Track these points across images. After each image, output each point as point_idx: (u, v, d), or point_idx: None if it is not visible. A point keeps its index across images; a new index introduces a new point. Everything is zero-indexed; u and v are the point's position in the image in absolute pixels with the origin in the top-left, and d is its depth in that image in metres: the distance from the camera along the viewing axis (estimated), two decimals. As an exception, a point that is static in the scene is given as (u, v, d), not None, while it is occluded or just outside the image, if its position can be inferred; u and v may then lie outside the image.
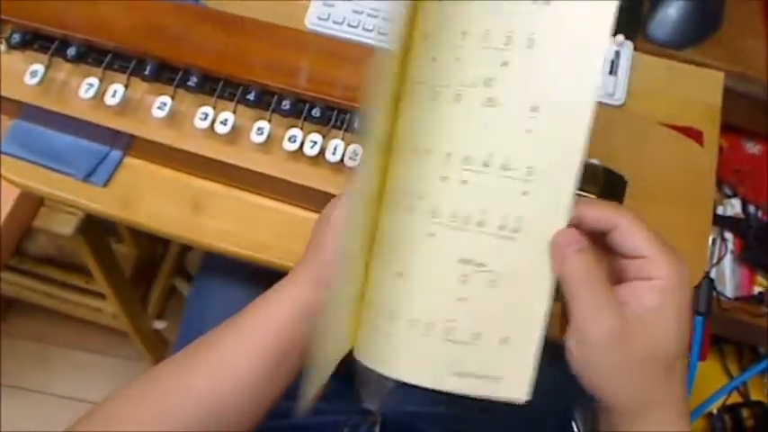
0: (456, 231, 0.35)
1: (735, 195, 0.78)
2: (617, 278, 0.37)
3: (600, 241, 0.37)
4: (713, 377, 0.80)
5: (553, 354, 0.64)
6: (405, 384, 0.69)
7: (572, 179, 0.34)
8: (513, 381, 0.36)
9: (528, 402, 0.65)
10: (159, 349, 1.23)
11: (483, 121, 0.34)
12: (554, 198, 0.34)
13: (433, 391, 0.67)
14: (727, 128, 0.65)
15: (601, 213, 0.36)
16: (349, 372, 0.70)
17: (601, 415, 0.38)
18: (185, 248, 1.21)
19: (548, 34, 0.33)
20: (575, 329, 0.35)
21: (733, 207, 0.77)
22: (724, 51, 0.68)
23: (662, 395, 0.36)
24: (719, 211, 0.78)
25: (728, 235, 0.77)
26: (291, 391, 0.64)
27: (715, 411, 0.76)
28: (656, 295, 0.35)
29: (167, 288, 1.20)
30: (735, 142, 0.79)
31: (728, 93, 0.62)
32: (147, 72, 0.57)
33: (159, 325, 1.16)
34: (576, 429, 0.60)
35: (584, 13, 0.33)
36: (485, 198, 0.35)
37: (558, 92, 0.34)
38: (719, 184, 0.79)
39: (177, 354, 0.45)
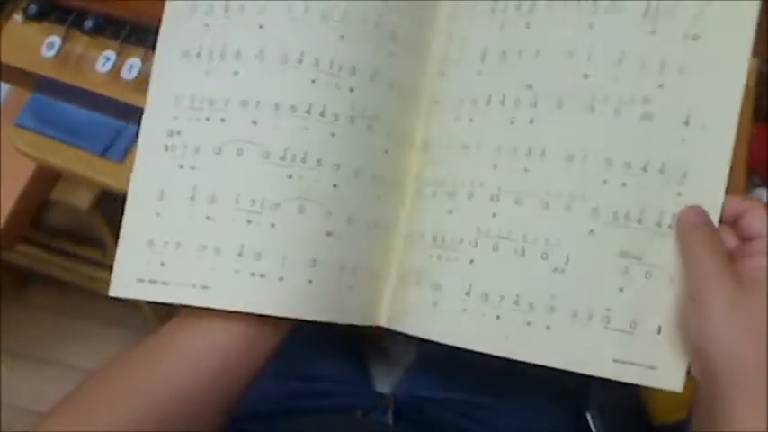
0: (616, 228, 0.40)
1: (762, 185, 0.76)
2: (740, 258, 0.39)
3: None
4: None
5: None
6: (419, 367, 0.69)
7: (722, 181, 0.39)
8: (668, 370, 0.39)
9: (540, 392, 0.65)
10: (169, 320, 1.23)
11: (642, 132, 0.40)
12: (706, 198, 0.39)
13: (447, 375, 0.66)
14: (757, 117, 0.62)
15: (731, 203, 0.39)
16: (362, 355, 0.70)
17: (701, 392, 0.38)
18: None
19: (696, 62, 0.39)
20: (695, 294, 0.38)
21: (761, 197, 0.76)
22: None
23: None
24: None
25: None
26: (304, 373, 0.64)
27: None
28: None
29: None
30: (764, 131, 0.77)
31: (761, 79, 0.60)
32: (164, 46, 0.56)
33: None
34: (590, 421, 0.59)
35: (726, 42, 0.39)
36: (643, 198, 0.39)
37: (707, 108, 0.39)
38: (748, 173, 0.77)
39: (149, 338, 0.44)
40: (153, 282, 0.41)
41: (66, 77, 0.58)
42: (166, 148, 0.42)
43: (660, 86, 0.40)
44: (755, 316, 0.36)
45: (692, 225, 0.39)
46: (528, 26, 0.42)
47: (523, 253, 0.41)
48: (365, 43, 0.42)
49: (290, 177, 0.41)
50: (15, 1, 0.59)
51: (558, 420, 0.65)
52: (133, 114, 0.60)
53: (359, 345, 0.71)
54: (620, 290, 0.40)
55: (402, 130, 0.44)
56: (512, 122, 0.42)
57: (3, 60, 0.57)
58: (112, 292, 0.43)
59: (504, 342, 0.41)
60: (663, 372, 0.39)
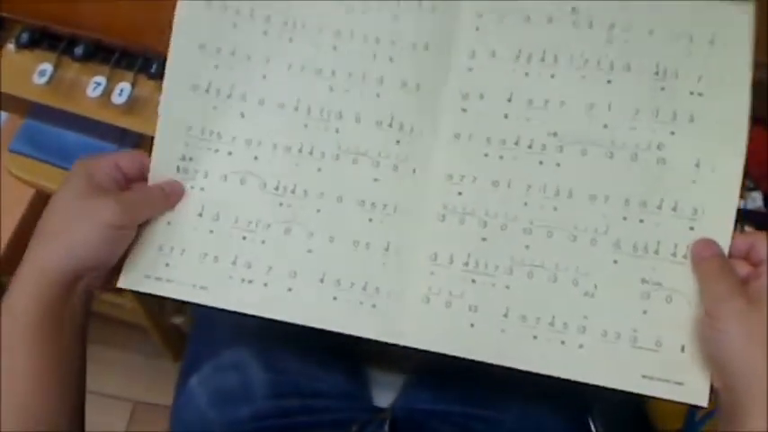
0: (636, 258, 0.45)
1: (756, 189, 0.76)
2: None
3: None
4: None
5: None
6: (417, 381, 0.69)
7: (731, 215, 0.44)
8: (693, 386, 0.43)
9: (540, 404, 0.64)
10: (177, 344, 1.24)
11: (657, 175, 0.45)
12: (717, 231, 0.44)
13: (445, 388, 0.66)
14: (753, 120, 0.62)
15: (739, 239, 0.44)
16: (360, 370, 0.70)
17: (722, 402, 0.42)
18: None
19: (705, 113, 0.45)
20: (712, 313, 0.42)
21: (754, 201, 0.75)
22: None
23: None
24: (740, 204, 0.75)
25: (749, 228, 0.74)
26: (301, 389, 0.64)
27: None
28: None
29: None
30: (758, 135, 0.77)
31: (757, 84, 0.60)
32: (153, 70, 0.57)
33: (177, 320, 1.17)
34: (593, 427, 0.59)
35: (729, 98, 0.44)
36: (658, 232, 0.45)
37: (716, 152, 0.44)
38: (743, 176, 0.77)
39: None
40: (158, 279, 0.48)
41: (58, 103, 0.59)
42: (179, 169, 0.49)
43: (672, 134, 0.45)
44: (763, 327, 0.40)
45: (704, 256, 0.44)
46: (553, 77, 0.46)
47: (556, 280, 0.46)
48: (351, 91, 0.48)
49: (281, 204, 0.48)
50: (8, 30, 0.60)
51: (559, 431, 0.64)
52: (124, 137, 0.61)
53: (357, 360, 0.71)
54: (644, 312, 0.45)
55: (396, 162, 0.48)
56: (540, 164, 0.46)
57: (-4, 89, 0.58)
58: (121, 284, 0.48)
59: (540, 360, 0.45)
60: (689, 387, 0.44)
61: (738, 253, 0.44)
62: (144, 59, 0.58)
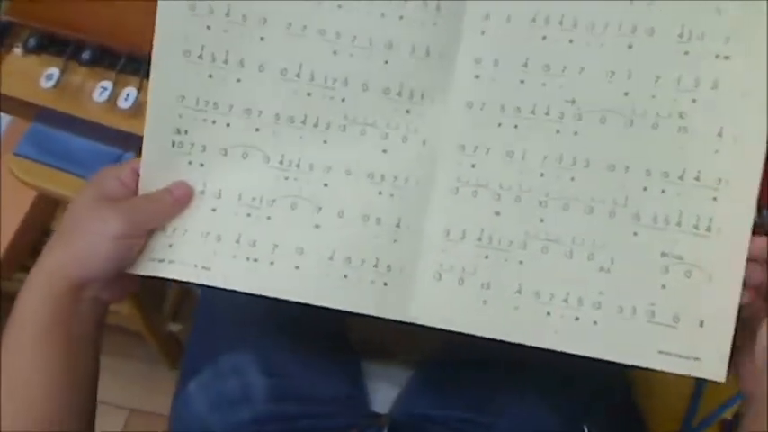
0: (657, 231, 0.44)
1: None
2: None
3: None
4: (728, 383, 0.79)
5: (567, 376, 0.64)
6: (416, 386, 0.69)
7: (755, 186, 0.42)
8: (711, 362, 0.43)
9: (538, 409, 0.65)
10: (174, 351, 1.24)
11: (678, 144, 0.43)
12: (741, 202, 0.42)
13: (445, 394, 0.66)
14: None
15: (758, 243, 0.43)
16: (359, 375, 0.70)
17: (745, 408, 0.46)
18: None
19: (728, 78, 0.43)
20: (757, 351, 0.44)
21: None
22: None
23: None
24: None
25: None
26: (300, 394, 0.65)
27: (729, 417, 0.75)
28: None
29: (182, 291, 1.21)
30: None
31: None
32: (159, 75, 0.58)
33: (174, 327, 1.17)
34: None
35: (754, 62, 0.42)
36: (680, 203, 0.43)
37: (739, 121, 0.43)
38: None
39: None
40: (161, 260, 0.46)
41: (64, 107, 0.59)
42: (174, 144, 0.46)
43: (694, 101, 0.43)
44: None
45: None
46: (571, 42, 0.44)
47: (571, 254, 0.44)
48: (357, 56, 0.45)
49: (286, 179, 0.46)
50: (15, 35, 0.61)
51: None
52: (130, 142, 0.61)
53: (357, 365, 0.71)
54: (663, 287, 0.44)
55: (406, 133, 0.46)
56: (557, 133, 0.45)
57: (3, 92, 0.59)
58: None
59: (553, 336, 0.44)
60: (706, 363, 0.43)
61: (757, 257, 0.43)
62: (150, 65, 0.59)
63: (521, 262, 0.45)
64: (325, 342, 0.68)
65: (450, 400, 0.66)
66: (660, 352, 0.44)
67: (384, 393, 0.69)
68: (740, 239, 0.43)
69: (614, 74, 0.44)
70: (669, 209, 0.44)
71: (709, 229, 0.43)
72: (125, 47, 0.59)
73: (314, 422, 0.64)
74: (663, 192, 0.44)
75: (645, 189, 0.44)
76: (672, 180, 0.44)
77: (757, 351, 0.44)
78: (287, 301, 0.46)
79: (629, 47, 0.44)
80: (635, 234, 0.44)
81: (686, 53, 0.43)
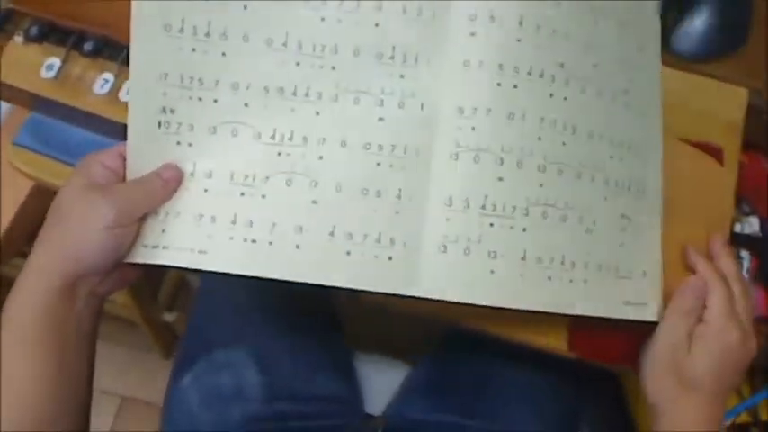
0: (618, 196, 0.48)
1: (754, 213, 0.76)
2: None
3: None
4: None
5: (559, 380, 0.64)
6: (410, 389, 0.69)
7: (659, 155, 0.50)
8: (654, 305, 0.49)
9: (531, 414, 0.65)
10: (168, 341, 1.23)
11: (628, 118, 0.49)
12: (650, 167, 0.50)
13: (438, 397, 0.66)
14: (749, 145, 0.63)
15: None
16: (353, 376, 0.70)
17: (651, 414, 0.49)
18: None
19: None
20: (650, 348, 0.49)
21: (751, 225, 0.75)
22: (748, 67, 0.66)
23: (672, 405, 0.47)
24: (737, 228, 0.76)
25: (744, 253, 0.75)
26: (294, 393, 0.65)
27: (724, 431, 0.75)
28: (704, 335, 0.47)
29: (178, 280, 1.21)
30: (756, 160, 0.77)
31: (751, 109, 0.61)
32: (162, 69, 0.57)
33: (169, 317, 1.17)
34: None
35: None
36: (628, 169, 0.48)
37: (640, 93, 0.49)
38: (738, 201, 0.77)
39: None
40: (155, 247, 0.44)
41: (64, 98, 0.59)
42: (160, 124, 0.44)
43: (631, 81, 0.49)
44: (674, 364, 0.48)
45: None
46: (559, 5, 0.45)
47: (565, 218, 0.46)
48: (345, 21, 0.43)
49: (280, 154, 0.44)
50: (16, 22, 0.60)
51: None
52: (130, 135, 0.61)
53: (351, 364, 0.71)
54: (621, 245, 0.48)
55: (402, 99, 0.44)
56: (551, 96, 0.44)
57: (2, 80, 0.58)
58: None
59: (551, 298, 0.46)
60: (651, 307, 0.49)
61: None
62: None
63: (524, 229, 0.44)
64: (321, 342, 0.68)
65: (444, 404, 0.66)
66: (625, 303, 0.48)
67: (378, 394, 0.70)
68: (657, 196, 0.50)
69: (590, 46, 0.46)
70: (623, 175, 0.48)
71: (641, 191, 0.49)
72: (128, 39, 0.58)
73: (307, 422, 0.63)
74: (621, 160, 0.47)
75: (611, 157, 0.47)
76: (624, 150, 0.48)
77: (657, 351, 0.48)
78: (288, 287, 0.44)
79: (596, 23, 0.46)
80: (605, 198, 0.47)
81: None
